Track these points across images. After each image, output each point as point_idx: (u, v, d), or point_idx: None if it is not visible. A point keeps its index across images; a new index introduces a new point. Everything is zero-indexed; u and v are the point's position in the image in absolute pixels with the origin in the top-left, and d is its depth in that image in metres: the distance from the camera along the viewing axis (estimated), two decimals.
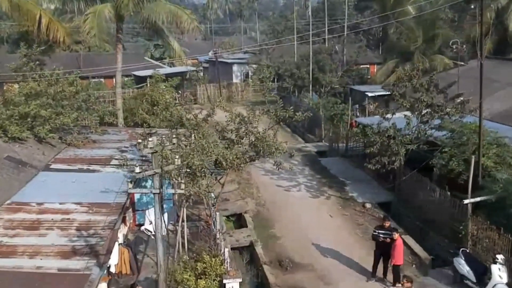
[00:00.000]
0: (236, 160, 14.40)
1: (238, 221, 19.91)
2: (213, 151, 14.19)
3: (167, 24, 28.69)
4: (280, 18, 69.94)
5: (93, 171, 17.15)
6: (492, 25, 35.16)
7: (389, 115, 18.79)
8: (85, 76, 38.78)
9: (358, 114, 32.36)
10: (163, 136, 15.05)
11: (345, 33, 46.30)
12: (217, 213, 15.41)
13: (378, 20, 48.31)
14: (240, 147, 15.73)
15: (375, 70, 51.85)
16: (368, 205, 19.83)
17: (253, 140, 15.31)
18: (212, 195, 16.02)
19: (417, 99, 18.59)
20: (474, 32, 34.77)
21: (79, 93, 20.95)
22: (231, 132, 15.75)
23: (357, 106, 32.53)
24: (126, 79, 44.24)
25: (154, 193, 11.30)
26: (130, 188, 11.14)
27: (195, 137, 15.16)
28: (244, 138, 15.44)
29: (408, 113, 19.11)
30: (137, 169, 10.46)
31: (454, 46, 28.10)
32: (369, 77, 48.14)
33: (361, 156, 25.65)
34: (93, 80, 43.46)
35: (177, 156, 11.28)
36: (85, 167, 17.50)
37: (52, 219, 12.78)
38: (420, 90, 18.41)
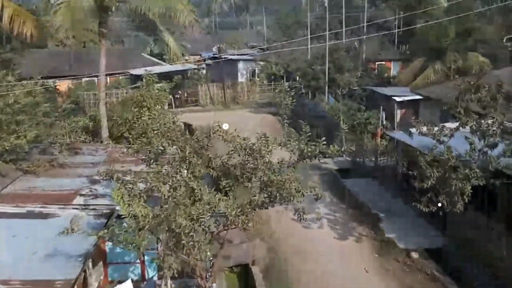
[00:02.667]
0: (242, 216, 9.73)
1: (244, 273, 15.26)
2: (208, 202, 9.57)
3: (160, 18, 24.25)
4: (289, 14, 65.08)
5: (47, 216, 12.55)
6: None
7: (445, 138, 13.93)
8: (76, 76, 34.56)
9: (384, 122, 27.63)
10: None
11: (365, 28, 41.53)
12: (214, 285, 10.84)
13: (400, 13, 43.64)
14: (246, 186, 11.09)
15: (391, 66, 47.49)
16: (415, 255, 15.02)
17: (265, 180, 10.63)
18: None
19: (483, 115, 13.83)
20: None
21: (40, 105, 16.40)
22: (235, 168, 11.09)
23: (383, 113, 27.73)
24: (121, 77, 40.14)
25: None
26: None
27: (181, 175, 10.45)
28: (253, 178, 10.76)
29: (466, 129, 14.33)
30: None
31: (510, 44, 23.17)
32: (386, 74, 43.48)
33: (393, 176, 21.00)
34: (84, 80, 39.33)
35: None
36: (37, 208, 12.92)
37: None
38: (489, 105, 13.65)
